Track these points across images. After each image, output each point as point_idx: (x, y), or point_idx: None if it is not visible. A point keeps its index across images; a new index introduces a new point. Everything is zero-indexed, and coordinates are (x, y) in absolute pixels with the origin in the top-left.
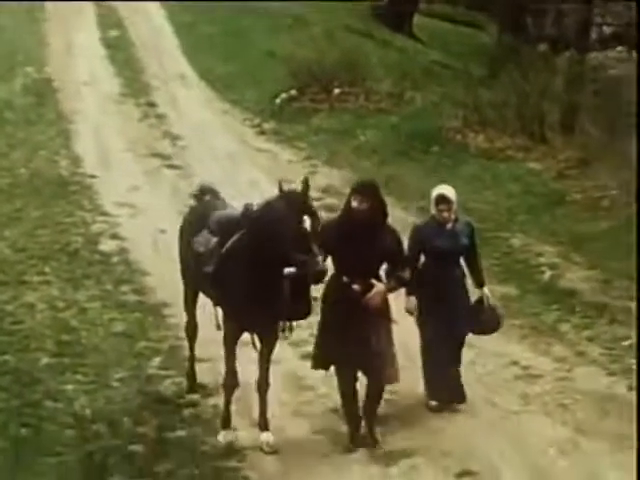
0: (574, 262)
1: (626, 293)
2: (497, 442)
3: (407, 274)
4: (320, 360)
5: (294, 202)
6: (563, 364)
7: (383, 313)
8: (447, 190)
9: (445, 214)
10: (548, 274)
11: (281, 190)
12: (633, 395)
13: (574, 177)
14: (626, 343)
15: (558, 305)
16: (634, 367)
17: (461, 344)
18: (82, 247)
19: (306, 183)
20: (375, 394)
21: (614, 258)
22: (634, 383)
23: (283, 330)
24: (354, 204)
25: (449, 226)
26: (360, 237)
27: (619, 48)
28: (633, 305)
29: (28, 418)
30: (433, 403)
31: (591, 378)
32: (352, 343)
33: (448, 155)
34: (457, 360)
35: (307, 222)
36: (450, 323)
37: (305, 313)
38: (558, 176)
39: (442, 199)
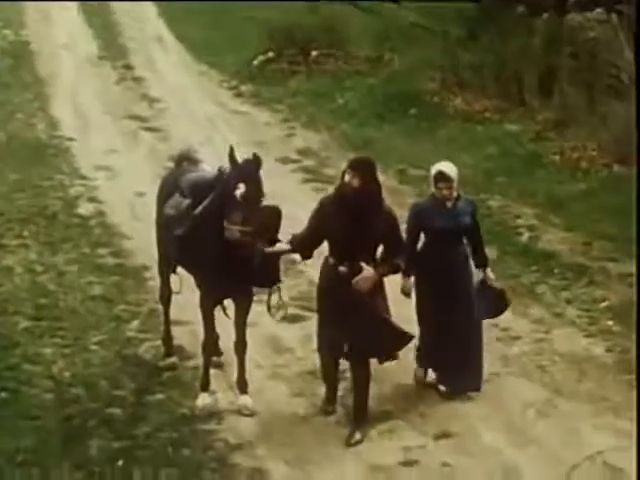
0: (552, 224)
1: (604, 255)
2: (476, 404)
3: (402, 260)
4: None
5: (238, 169)
6: (541, 326)
7: (374, 296)
8: (447, 167)
9: (445, 192)
10: (526, 236)
11: (231, 157)
12: (611, 357)
13: (552, 139)
14: (604, 304)
15: (536, 267)
16: (612, 329)
17: (469, 330)
18: (60, 210)
19: (256, 157)
20: (360, 379)
21: (592, 220)
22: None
23: (269, 307)
24: (346, 179)
25: (449, 205)
26: (353, 217)
27: (598, 10)
28: (611, 266)
29: (7, 381)
30: (415, 366)
31: (569, 340)
32: (340, 325)
33: (426, 117)
34: (464, 347)
35: (240, 189)
36: (451, 307)
37: (274, 280)
38: (536, 138)
39: (441, 176)
